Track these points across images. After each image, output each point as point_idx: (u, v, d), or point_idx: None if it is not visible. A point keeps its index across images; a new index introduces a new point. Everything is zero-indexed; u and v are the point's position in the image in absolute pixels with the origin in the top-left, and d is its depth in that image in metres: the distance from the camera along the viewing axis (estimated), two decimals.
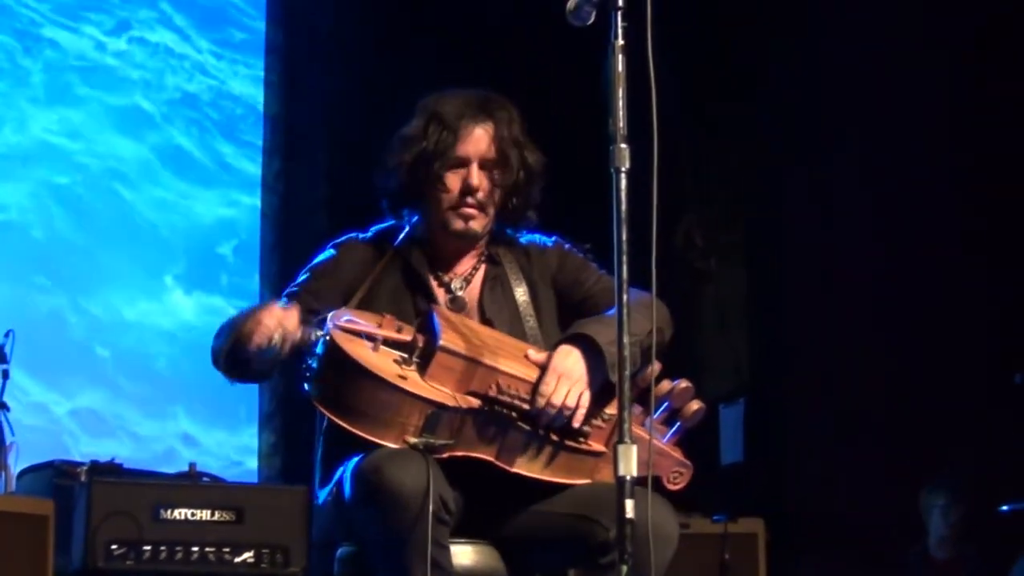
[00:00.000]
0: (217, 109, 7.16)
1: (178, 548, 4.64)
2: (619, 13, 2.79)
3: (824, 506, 6.98)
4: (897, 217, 6.79)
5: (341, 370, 2.98)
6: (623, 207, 2.76)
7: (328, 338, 2.99)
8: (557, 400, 3.04)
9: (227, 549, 4.71)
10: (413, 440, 2.96)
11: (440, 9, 7.14)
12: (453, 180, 3.28)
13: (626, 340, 2.73)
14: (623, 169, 2.76)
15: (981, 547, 6.36)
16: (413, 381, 2.99)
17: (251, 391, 6.81)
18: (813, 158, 7.27)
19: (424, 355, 3.05)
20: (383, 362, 3.00)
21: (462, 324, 3.17)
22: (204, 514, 4.71)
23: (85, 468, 4.78)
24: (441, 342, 3.02)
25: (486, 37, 6.98)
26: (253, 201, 7.12)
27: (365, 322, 3.07)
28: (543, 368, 3.09)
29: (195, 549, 4.67)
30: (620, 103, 2.78)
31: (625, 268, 2.74)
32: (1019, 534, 5.89)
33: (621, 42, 2.78)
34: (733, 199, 7.74)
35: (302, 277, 3.33)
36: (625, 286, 2.74)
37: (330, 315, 3.06)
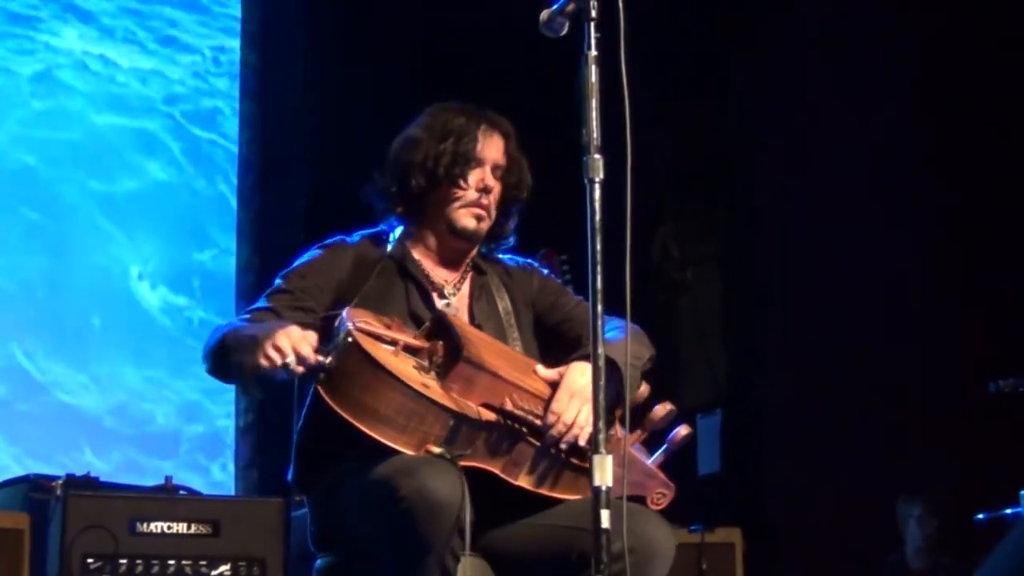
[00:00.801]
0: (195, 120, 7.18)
1: (154, 561, 4.62)
2: (592, 24, 2.81)
3: (801, 516, 7.00)
4: (872, 228, 6.81)
5: (363, 372, 2.93)
6: (597, 217, 2.77)
7: (351, 339, 2.95)
8: (569, 418, 3.07)
9: (203, 562, 4.69)
10: (437, 450, 2.94)
11: (413, 23, 7.15)
12: (472, 178, 3.33)
13: (601, 351, 2.76)
14: (597, 179, 2.78)
15: (957, 557, 6.38)
16: (435, 389, 2.98)
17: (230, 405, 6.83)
18: (789, 169, 7.29)
19: (443, 364, 3.04)
20: (405, 368, 2.98)
21: (477, 336, 3.16)
22: (180, 527, 4.69)
23: (60, 482, 4.75)
24: (465, 352, 3.01)
25: (459, 50, 6.98)
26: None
27: (377, 325, 3.07)
28: (554, 385, 3.11)
29: (171, 562, 4.65)
30: (593, 113, 2.79)
31: (599, 278, 2.76)
32: (995, 543, 5.90)
33: (594, 53, 2.80)
34: (709, 210, 7.76)
35: (290, 272, 3.29)
36: (599, 296, 2.76)
37: (346, 314, 3.04)
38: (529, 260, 3.52)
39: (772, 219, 7.43)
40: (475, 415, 2.99)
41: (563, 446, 3.09)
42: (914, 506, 6.53)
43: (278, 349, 2.94)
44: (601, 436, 2.71)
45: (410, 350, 3.05)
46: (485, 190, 3.32)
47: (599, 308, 2.76)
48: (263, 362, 2.95)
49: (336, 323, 3.02)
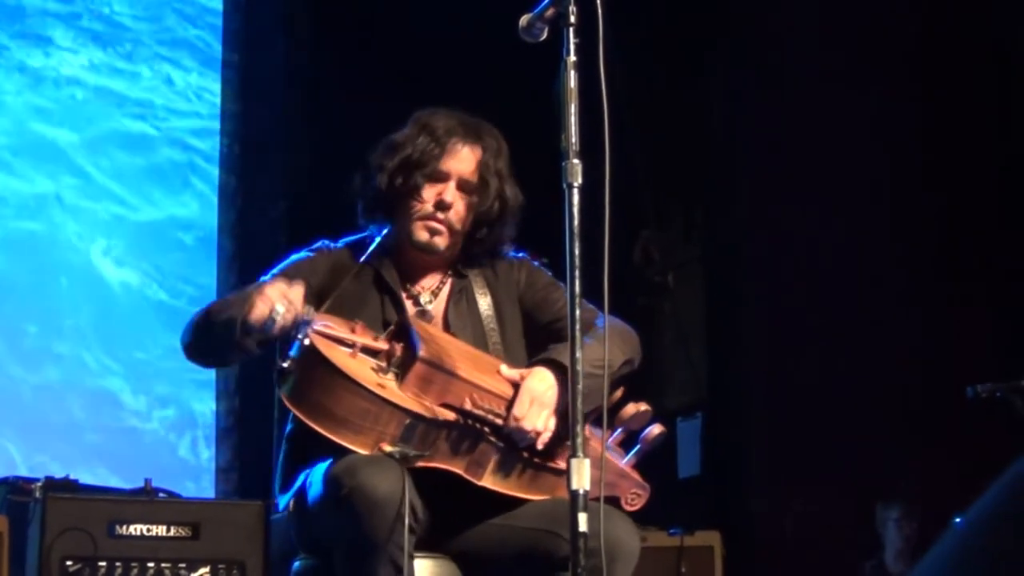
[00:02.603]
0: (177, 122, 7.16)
1: (133, 564, 4.61)
2: (571, 30, 2.82)
3: (780, 519, 7.01)
4: (853, 231, 6.83)
5: (320, 374, 2.97)
6: (576, 222, 2.78)
7: (307, 342, 2.98)
8: (528, 424, 3.07)
9: (183, 565, 4.68)
10: (389, 449, 2.96)
11: (391, 27, 7.16)
12: (429, 192, 3.30)
13: (579, 355, 2.77)
14: (575, 184, 2.79)
15: None
16: (391, 390, 3.00)
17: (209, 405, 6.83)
18: (771, 174, 7.30)
19: (401, 365, 3.05)
20: (362, 369, 3.01)
21: (439, 336, 3.18)
22: (160, 530, 4.68)
23: (39, 484, 4.75)
24: (421, 353, 3.03)
25: (439, 54, 6.99)
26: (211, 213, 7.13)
27: (339, 328, 3.08)
28: (516, 387, 3.11)
29: (151, 565, 4.64)
30: (572, 119, 2.80)
31: (578, 283, 2.77)
32: None
33: (573, 58, 2.81)
34: (690, 215, 7.77)
35: (273, 273, 3.30)
36: (578, 300, 2.77)
37: (306, 318, 3.05)
38: (519, 254, 3.49)
39: (753, 223, 7.44)
40: (432, 415, 3.01)
41: (522, 447, 3.10)
42: (893, 509, 6.55)
43: (266, 298, 2.97)
44: (579, 440, 2.72)
45: (369, 352, 3.07)
46: (440, 206, 3.29)
47: (577, 313, 2.77)
48: (252, 314, 2.97)
49: (296, 327, 3.03)
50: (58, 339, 6.63)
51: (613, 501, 3.15)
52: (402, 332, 3.15)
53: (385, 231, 3.38)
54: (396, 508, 2.88)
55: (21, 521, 4.62)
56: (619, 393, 3.16)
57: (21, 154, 6.69)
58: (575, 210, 2.79)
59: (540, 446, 3.10)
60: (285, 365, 2.99)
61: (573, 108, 2.79)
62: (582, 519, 2.69)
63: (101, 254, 6.83)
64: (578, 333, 2.76)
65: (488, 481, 3.10)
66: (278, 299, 2.96)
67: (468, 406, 3.05)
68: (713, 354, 7.59)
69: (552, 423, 3.09)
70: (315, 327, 3.01)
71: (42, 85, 6.81)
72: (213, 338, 3.13)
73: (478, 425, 3.06)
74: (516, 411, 3.08)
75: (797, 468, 6.94)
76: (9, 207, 6.61)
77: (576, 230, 2.78)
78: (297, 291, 3.02)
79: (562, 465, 3.12)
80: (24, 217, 6.65)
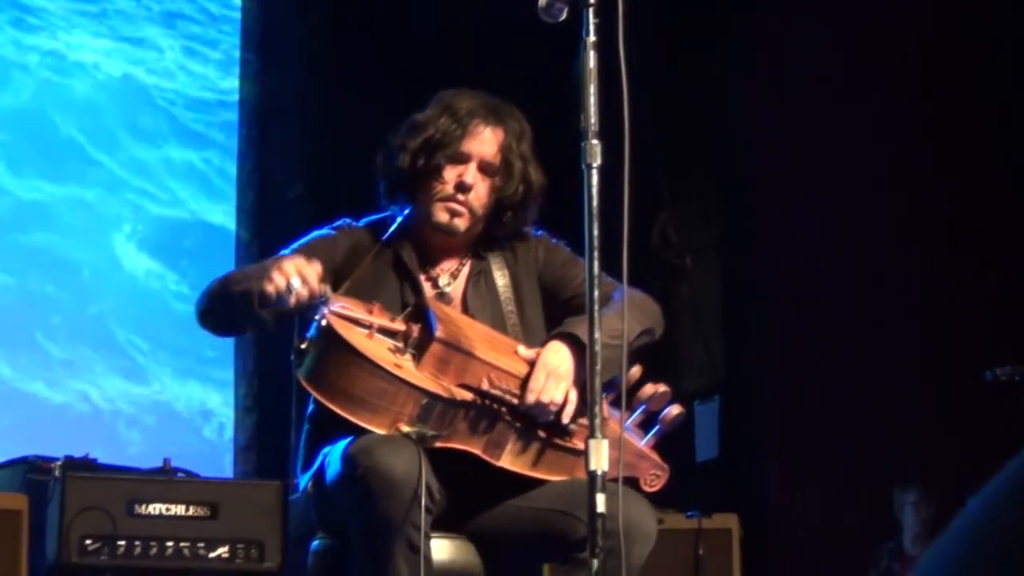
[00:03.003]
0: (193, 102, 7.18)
1: (152, 543, 4.62)
2: (590, 10, 2.81)
3: (798, 502, 7.01)
4: (872, 213, 6.81)
5: (336, 355, 2.98)
6: (594, 203, 2.78)
7: (324, 322, 2.98)
8: (546, 397, 3.06)
9: (202, 544, 4.69)
10: (407, 429, 2.96)
11: (411, 4, 7.15)
12: (450, 173, 3.28)
13: (597, 336, 2.77)
14: (594, 165, 2.79)
15: None
16: (408, 370, 3.00)
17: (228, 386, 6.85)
18: (789, 155, 7.29)
19: (419, 345, 3.06)
20: (379, 349, 3.01)
21: (457, 317, 3.18)
22: (179, 509, 4.69)
23: (59, 463, 4.76)
24: (438, 333, 3.03)
25: (460, 33, 6.98)
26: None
27: (356, 309, 3.08)
28: (532, 364, 3.10)
29: (169, 544, 4.65)
30: (592, 99, 2.80)
31: (596, 264, 2.77)
32: None
33: (593, 38, 2.80)
34: (708, 197, 7.76)
35: (292, 248, 3.29)
36: (596, 280, 2.77)
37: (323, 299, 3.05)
38: (538, 231, 3.47)
39: (772, 206, 7.42)
40: (450, 395, 3.01)
41: (541, 424, 3.10)
42: (910, 492, 6.54)
43: (283, 271, 2.97)
44: (597, 421, 2.72)
45: (386, 332, 3.07)
46: (461, 187, 3.28)
47: (596, 294, 2.77)
48: (268, 286, 2.97)
49: (312, 306, 3.03)
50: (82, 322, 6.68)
51: (632, 482, 3.15)
52: (419, 313, 3.15)
53: (407, 211, 3.38)
54: (412, 488, 2.88)
55: (40, 500, 4.64)
56: (637, 371, 3.15)
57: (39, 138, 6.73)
58: (594, 191, 2.78)
59: (566, 419, 3.09)
60: (303, 346, 3.01)
61: (592, 88, 2.79)
62: (600, 500, 2.69)
63: (124, 239, 6.87)
64: (597, 314, 2.75)
65: (506, 462, 3.11)
66: (295, 274, 2.97)
67: (486, 386, 3.05)
68: (731, 336, 7.58)
69: (573, 395, 3.08)
70: (332, 308, 3.01)
71: (59, 66, 6.83)
72: (229, 308, 3.14)
73: (495, 405, 3.07)
74: (532, 384, 3.07)
75: (815, 450, 6.93)
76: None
77: (595, 211, 2.77)
78: (314, 268, 3.02)
79: (580, 445, 3.12)
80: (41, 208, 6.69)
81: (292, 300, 2.97)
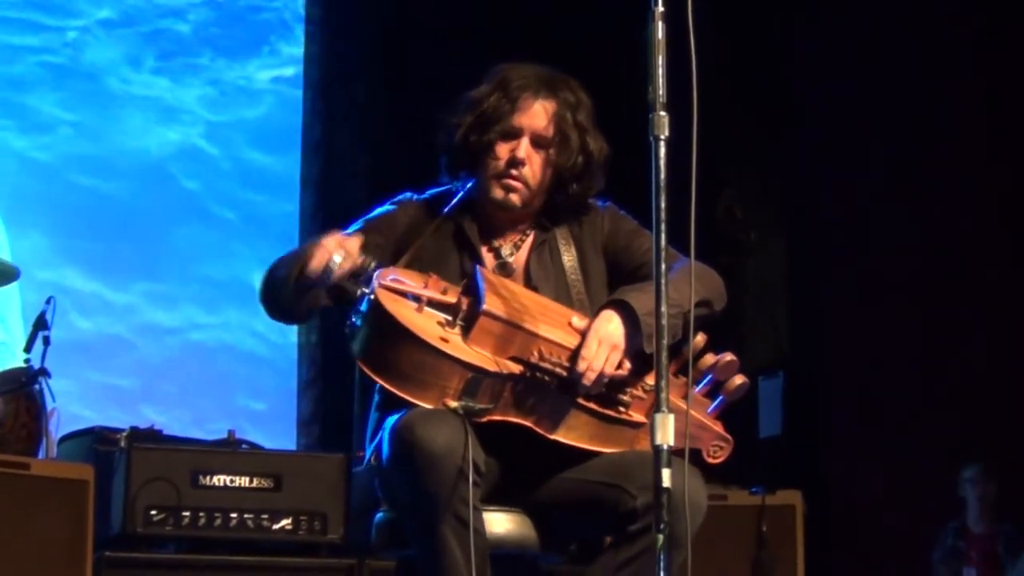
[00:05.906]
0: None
1: (216, 514, 4.66)
2: None
3: (862, 479, 6.97)
4: (937, 189, 6.76)
5: (384, 330, 2.97)
6: (662, 175, 2.75)
7: (372, 297, 2.98)
8: (597, 364, 3.02)
9: (265, 516, 4.72)
10: (453, 404, 2.95)
11: None
12: (502, 149, 3.26)
13: (664, 309, 2.73)
14: (662, 137, 2.76)
15: (1018, 522, 6.35)
16: (455, 344, 2.98)
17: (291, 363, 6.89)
18: (853, 133, 7.24)
19: (468, 318, 3.03)
20: (426, 323, 3.00)
21: (506, 288, 3.14)
22: (243, 481, 4.72)
23: (125, 434, 4.80)
24: (484, 306, 3.01)
25: (526, 4, 6.95)
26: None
27: (411, 282, 3.07)
28: (583, 333, 3.08)
29: (233, 515, 4.68)
30: (660, 71, 2.77)
31: (663, 236, 2.74)
32: None
33: (661, 9, 2.77)
34: (773, 172, 7.72)
35: (355, 228, 3.28)
36: (663, 254, 2.74)
37: (376, 273, 3.04)
38: (604, 202, 3.42)
39: (837, 183, 7.38)
40: (497, 368, 2.99)
41: (591, 393, 3.05)
42: (972, 470, 6.52)
43: (323, 248, 2.97)
44: (664, 395, 2.69)
45: (437, 306, 3.05)
46: (513, 163, 3.25)
47: (663, 267, 2.74)
48: (310, 264, 2.97)
49: (358, 279, 3.03)
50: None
51: (695, 454, 3.10)
52: (471, 285, 3.14)
53: (469, 184, 3.36)
54: (454, 462, 2.87)
55: (107, 470, 4.68)
56: (701, 339, 3.09)
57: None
58: (661, 163, 2.76)
59: (615, 388, 3.07)
60: (354, 319, 3.00)
61: (661, 60, 2.76)
62: (666, 475, 2.66)
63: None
64: (665, 288, 2.73)
65: (560, 435, 3.08)
66: (335, 249, 2.97)
67: (535, 359, 3.03)
68: (795, 312, 7.55)
69: (626, 364, 3.06)
70: (385, 281, 3.00)
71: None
72: (279, 294, 3.14)
73: (546, 378, 3.04)
74: (584, 352, 3.03)
75: (879, 427, 6.89)
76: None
77: (663, 184, 2.75)
78: (354, 242, 3.02)
79: (635, 417, 3.10)
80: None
81: (335, 276, 2.97)
